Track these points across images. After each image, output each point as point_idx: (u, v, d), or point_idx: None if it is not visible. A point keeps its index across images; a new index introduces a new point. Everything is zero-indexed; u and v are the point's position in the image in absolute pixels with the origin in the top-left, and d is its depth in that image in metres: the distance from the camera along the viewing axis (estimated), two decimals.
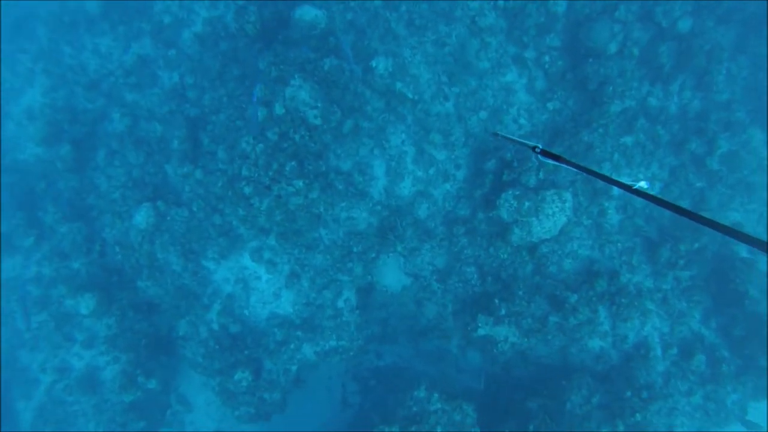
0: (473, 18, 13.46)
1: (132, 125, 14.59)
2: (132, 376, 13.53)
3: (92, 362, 14.03)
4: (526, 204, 11.63)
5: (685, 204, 13.71)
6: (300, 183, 12.20)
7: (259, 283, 14.27)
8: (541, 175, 12.12)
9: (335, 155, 13.32)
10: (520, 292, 13.11)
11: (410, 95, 13.31)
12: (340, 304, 14.02)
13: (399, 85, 13.25)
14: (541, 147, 3.94)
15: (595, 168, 13.64)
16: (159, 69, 15.14)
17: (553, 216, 11.70)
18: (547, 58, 13.92)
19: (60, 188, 14.65)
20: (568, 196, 11.83)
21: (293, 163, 12.29)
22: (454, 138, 13.46)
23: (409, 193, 13.57)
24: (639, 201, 13.59)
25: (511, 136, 5.51)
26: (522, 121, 13.84)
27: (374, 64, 13.17)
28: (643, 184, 3.53)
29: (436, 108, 13.60)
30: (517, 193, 11.82)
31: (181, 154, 13.75)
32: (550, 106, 13.82)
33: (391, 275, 14.00)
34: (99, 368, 13.95)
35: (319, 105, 12.31)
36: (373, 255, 13.57)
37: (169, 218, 13.56)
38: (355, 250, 13.57)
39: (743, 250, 13.64)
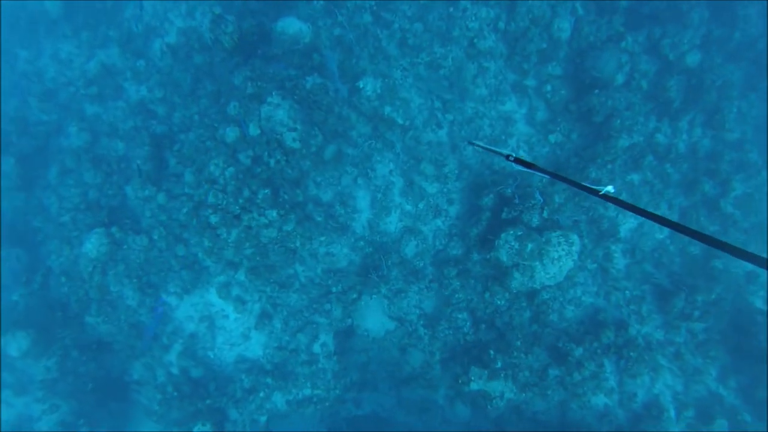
0: (472, 40, 12.21)
1: (91, 141, 12.98)
2: (73, 426, 11.68)
3: (25, 411, 12.15)
4: (529, 246, 10.21)
5: (697, 249, 12.44)
6: (273, 213, 10.67)
7: (226, 322, 12.60)
8: (545, 213, 10.74)
9: (315, 184, 11.84)
10: (518, 342, 11.62)
11: (400, 120, 11.94)
12: (316, 348, 12.38)
13: (388, 109, 11.88)
14: (514, 156, 3.95)
15: (600, 208, 12.33)
16: (125, 81, 13.61)
17: (559, 260, 10.29)
18: (549, 87, 12.69)
19: (4, 208, 12.90)
20: (575, 238, 10.45)
21: (267, 190, 10.77)
22: (447, 169, 12.07)
23: (395, 229, 12.11)
24: (648, 245, 12.30)
25: (486, 145, 4.92)
26: (521, 153, 12.52)
27: (362, 85, 11.80)
28: (610, 189, 3.51)
29: (428, 136, 12.25)
30: (519, 233, 10.41)
31: (144, 175, 12.15)
32: (552, 138, 12.54)
33: (374, 318, 12.42)
34: (33, 419, 12.06)
35: (299, 127, 10.86)
36: (354, 296, 12.01)
37: (125, 246, 11.89)
38: (334, 289, 12.01)
39: (758, 300, 12.37)
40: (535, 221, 10.69)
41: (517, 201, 10.89)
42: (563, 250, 10.32)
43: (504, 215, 10.98)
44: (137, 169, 11.96)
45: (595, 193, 3.49)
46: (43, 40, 14.12)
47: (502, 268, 10.93)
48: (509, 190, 11.23)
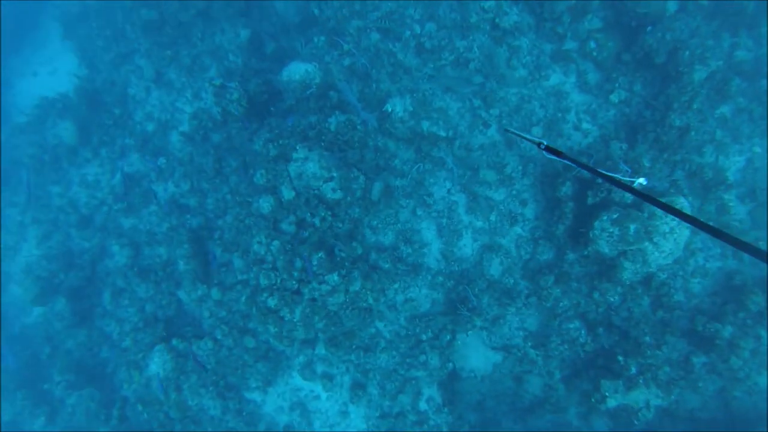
0: (493, 21, 10.69)
1: (134, 255, 12.19)
2: None
3: None
4: (632, 227, 8.40)
5: None
6: (335, 277, 9.35)
7: (319, 404, 11.26)
8: (637, 183, 8.91)
9: (371, 230, 10.49)
10: (647, 338, 9.68)
11: (443, 133, 10.48)
12: (423, 405, 10.82)
13: (426, 124, 10.46)
14: (545, 143, 3.71)
15: (696, 157, 10.38)
16: (152, 183, 12.85)
17: (672, 233, 8.43)
18: (592, 44, 10.95)
19: (69, 348, 12.19)
20: (682, 200, 8.57)
21: (320, 253, 9.47)
22: (509, 169, 10.46)
23: (472, 252, 10.52)
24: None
25: (520, 133, 4.66)
26: (585, 125, 10.77)
27: (390, 108, 10.47)
28: (642, 181, 3.39)
29: (478, 139, 10.71)
30: (615, 216, 8.61)
31: (191, 275, 11.15)
32: (614, 98, 10.73)
33: (477, 355, 10.77)
34: None
35: (335, 174, 9.58)
36: (448, 337, 10.44)
37: (192, 355, 10.83)
38: (424, 337, 10.48)
39: None
40: (629, 196, 8.87)
41: (600, 180, 9.11)
42: (673, 219, 8.44)
43: (590, 200, 9.21)
44: (152, 195, 11.32)
45: (629, 188, 3.31)
46: (69, 170, 13.63)
47: (605, 261, 9.13)
48: (585, 172, 9.47)
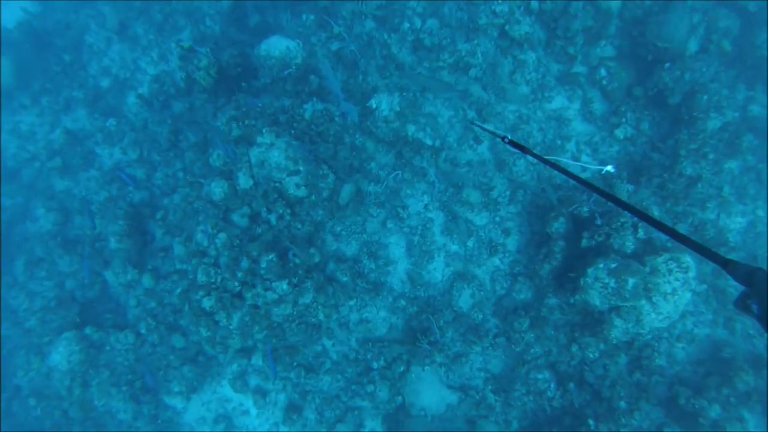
0: (502, 28, 9.45)
1: (62, 222, 10.49)
2: None
3: None
4: (630, 281, 7.23)
5: None
6: (284, 285, 7.91)
7: (247, 420, 9.78)
8: (641, 233, 7.76)
9: (333, 236, 9.09)
10: (621, 403, 8.55)
11: (429, 141, 9.19)
12: None
13: (411, 128, 9.15)
14: (509, 137, 3.63)
15: (698, 211, 9.38)
16: (96, 145, 11.16)
17: (673, 294, 7.29)
18: (603, 72, 9.84)
19: None
20: (688, 261, 7.45)
21: (271, 256, 8.03)
22: (496, 193, 9.22)
23: (442, 278, 9.22)
24: None
25: (484, 125, 4.34)
26: (585, 158, 9.62)
27: (375, 105, 9.13)
28: (609, 168, 3.38)
29: (467, 154, 9.44)
30: (613, 266, 7.42)
31: (122, 255, 9.55)
32: (619, 133, 9.62)
33: (430, 392, 9.47)
34: None
35: (302, 168, 8.15)
36: (402, 369, 9.10)
37: (108, 348, 9.24)
38: (375, 365, 9.11)
39: None
40: (630, 245, 7.70)
41: (599, 222, 7.93)
42: (677, 279, 7.31)
43: (584, 243, 8.02)
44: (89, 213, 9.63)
45: (602, 191, 3.00)
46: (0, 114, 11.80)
47: (593, 313, 7.94)
48: (585, 209, 8.29)
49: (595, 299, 7.57)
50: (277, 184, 8.15)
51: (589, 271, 7.56)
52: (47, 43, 11.79)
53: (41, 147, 11.14)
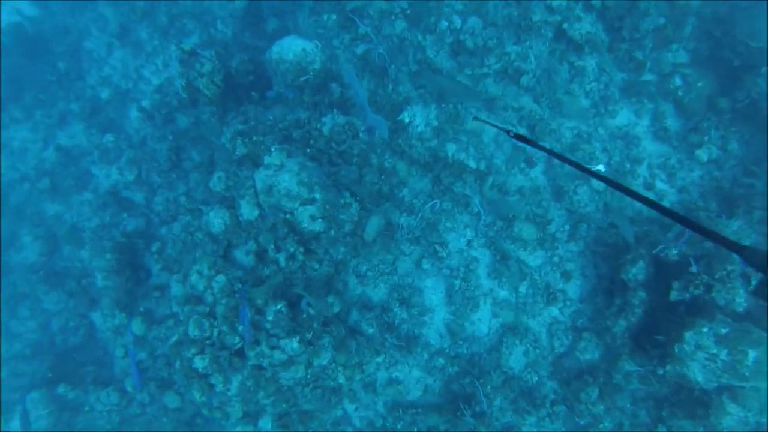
0: (560, 26, 7.60)
1: (49, 252, 8.89)
2: None
3: None
4: (751, 354, 5.26)
5: None
6: (294, 344, 6.09)
7: None
8: (754, 283, 5.78)
9: (357, 278, 7.27)
10: None
11: (472, 163, 7.35)
12: None
13: (452, 148, 7.33)
14: (514, 131, 3.51)
15: None
16: (93, 164, 9.58)
17: None
18: (678, 81, 7.96)
19: None
20: None
21: (280, 305, 6.24)
22: (553, 227, 7.34)
23: (489, 331, 7.31)
24: None
25: (488, 120, 4.05)
26: (661, 185, 7.68)
27: (408, 119, 7.33)
28: (600, 168, 3.13)
29: (517, 180, 7.57)
30: (724, 331, 5.45)
31: (111, 295, 7.87)
32: (702, 155, 7.66)
33: None
34: None
35: (318, 196, 6.36)
36: None
37: (87, 408, 7.54)
38: None
39: None
40: (741, 302, 5.73)
41: (695, 269, 5.97)
42: None
43: (675, 295, 6.07)
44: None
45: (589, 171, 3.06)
46: None
47: (693, 391, 5.97)
48: (674, 251, 6.33)
49: (697, 374, 5.61)
50: (287, 216, 6.37)
51: (688, 335, 5.60)
52: (43, 49, 10.27)
53: (31, 166, 9.60)
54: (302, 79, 7.50)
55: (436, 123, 7.26)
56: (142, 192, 8.98)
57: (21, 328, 8.58)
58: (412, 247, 7.39)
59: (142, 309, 7.79)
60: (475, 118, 4.66)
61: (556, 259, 7.42)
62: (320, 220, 6.37)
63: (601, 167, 3.06)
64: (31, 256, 8.86)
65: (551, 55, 7.83)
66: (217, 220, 6.63)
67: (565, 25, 7.52)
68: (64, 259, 8.87)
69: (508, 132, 3.50)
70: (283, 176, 6.26)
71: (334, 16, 8.54)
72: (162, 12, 9.91)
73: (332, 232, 6.54)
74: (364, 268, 7.38)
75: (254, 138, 6.89)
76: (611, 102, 7.94)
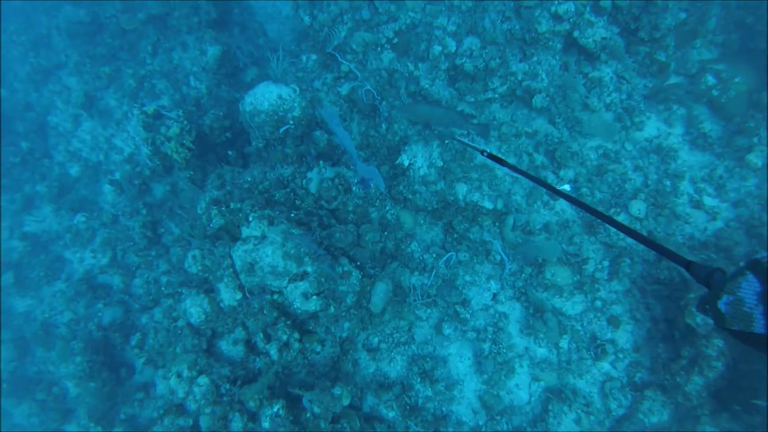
0: (569, 35, 6.60)
1: (18, 357, 7.84)
2: None
3: None
4: None
5: None
6: None
7: None
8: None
9: (368, 352, 6.11)
10: None
11: (488, 203, 6.25)
12: None
13: (462, 188, 6.24)
14: (488, 151, 3.42)
15: None
16: (66, 249, 8.61)
17: None
18: (710, 80, 6.93)
19: None
20: None
21: (277, 408, 5.08)
22: (591, 266, 6.19)
23: (530, 398, 6.07)
24: None
25: (462, 139, 3.84)
26: (709, 200, 6.53)
27: (407, 161, 6.29)
28: (566, 187, 3.19)
29: (542, 216, 6.46)
30: None
31: (89, 404, 6.76)
32: (754, 159, 6.54)
33: None
34: None
35: (310, 269, 5.27)
36: None
37: None
38: None
39: None
40: None
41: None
42: None
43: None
44: None
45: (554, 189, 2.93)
46: None
47: None
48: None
49: None
50: (276, 297, 5.29)
51: None
52: (5, 129, 9.44)
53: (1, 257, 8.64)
54: (282, 130, 6.52)
55: (440, 162, 6.20)
56: (118, 275, 7.97)
57: None
58: (429, 311, 6.25)
59: (123, 416, 6.66)
60: (453, 138, 4.17)
61: (598, 303, 6.24)
62: (315, 297, 5.27)
63: (566, 186, 2.66)
64: None
65: (564, 68, 6.82)
66: (194, 309, 5.55)
67: (575, 33, 6.51)
68: (36, 362, 7.81)
69: (482, 152, 3.38)
70: (266, 250, 5.19)
71: (313, 57, 7.63)
72: (128, 75, 9.07)
73: (332, 309, 5.42)
74: (376, 339, 6.23)
75: (231, 206, 5.87)
76: (636, 113, 6.87)
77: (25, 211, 8.93)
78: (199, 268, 5.78)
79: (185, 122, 6.98)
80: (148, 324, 7.18)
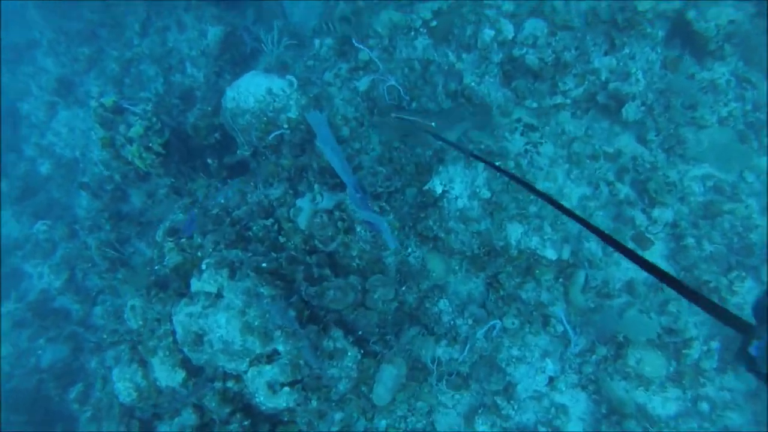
0: (681, 16, 4.65)
1: None
2: None
3: None
4: None
5: None
6: None
7: None
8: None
9: None
10: None
11: (551, 253, 4.38)
12: None
13: (516, 230, 4.39)
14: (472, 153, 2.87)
15: None
16: (25, 261, 7.11)
17: None
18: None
19: None
20: None
21: None
22: (695, 351, 4.26)
23: None
24: None
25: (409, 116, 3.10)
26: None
27: (439, 188, 4.48)
28: None
29: (622, 272, 4.55)
30: None
31: None
32: None
33: None
34: None
35: (282, 347, 3.52)
36: None
37: None
38: None
39: None
40: None
41: None
42: None
43: None
44: None
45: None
46: None
47: None
48: None
49: None
50: (230, 384, 3.56)
51: None
52: None
53: None
54: (272, 136, 4.78)
55: (487, 193, 4.35)
56: (77, 302, 6.42)
57: None
58: (458, 395, 4.42)
59: None
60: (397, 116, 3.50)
61: (704, 406, 4.30)
62: (288, 389, 3.51)
63: None
64: None
65: (671, 66, 4.86)
66: (123, 384, 3.87)
67: (690, 14, 4.56)
68: None
69: (471, 154, 2.68)
70: (218, 318, 3.46)
71: (328, 41, 5.87)
72: (112, 57, 7.51)
73: (313, 403, 3.66)
74: (384, 423, 4.45)
75: (193, 239, 4.18)
76: (765, 131, 4.89)
77: None
78: (140, 323, 4.10)
79: (153, 119, 5.31)
80: (97, 370, 5.58)
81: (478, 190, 4.39)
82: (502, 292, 4.47)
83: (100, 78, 7.60)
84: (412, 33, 5.43)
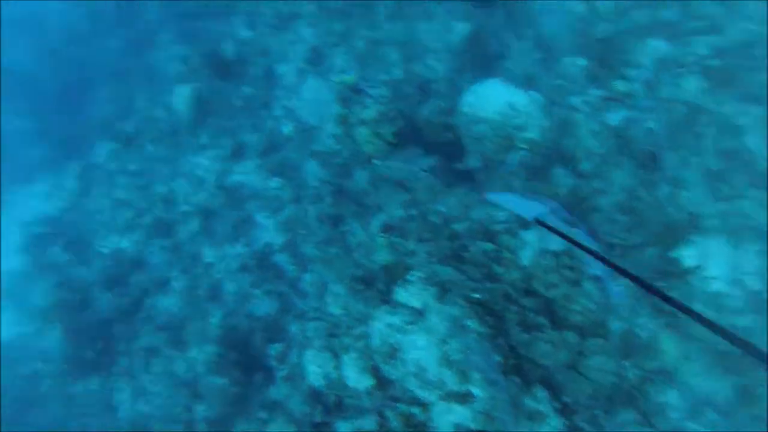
0: None
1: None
2: None
3: None
4: None
5: None
6: None
7: None
8: None
9: None
10: None
11: None
12: None
13: None
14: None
15: None
16: (257, 212, 7.88)
17: None
18: None
19: None
20: None
21: None
22: None
23: None
24: None
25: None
26: None
27: (690, 260, 3.75)
28: None
29: None
30: None
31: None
32: None
33: None
34: None
35: (478, 392, 3.25)
36: None
37: None
38: None
39: None
40: None
41: None
42: None
43: None
44: None
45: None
46: None
47: None
48: None
49: None
50: (415, 411, 3.40)
51: None
52: (234, 72, 9.00)
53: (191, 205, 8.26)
54: (511, 157, 4.45)
55: (759, 285, 3.52)
56: (293, 264, 6.89)
57: None
58: None
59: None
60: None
61: None
62: None
63: None
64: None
65: None
66: (314, 368, 3.99)
67: None
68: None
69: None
70: (417, 338, 3.32)
71: (581, 61, 5.28)
72: (360, 36, 7.79)
73: None
74: None
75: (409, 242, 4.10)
76: None
77: (232, 159, 8.42)
78: (340, 311, 4.19)
79: (390, 107, 5.34)
80: (296, 337, 5.93)
81: (744, 278, 3.56)
82: (757, 411, 3.60)
83: (348, 54, 7.97)
84: (682, 69, 4.61)
